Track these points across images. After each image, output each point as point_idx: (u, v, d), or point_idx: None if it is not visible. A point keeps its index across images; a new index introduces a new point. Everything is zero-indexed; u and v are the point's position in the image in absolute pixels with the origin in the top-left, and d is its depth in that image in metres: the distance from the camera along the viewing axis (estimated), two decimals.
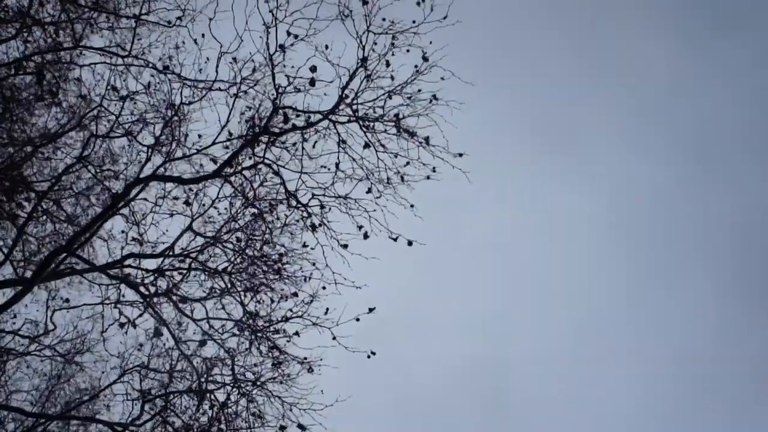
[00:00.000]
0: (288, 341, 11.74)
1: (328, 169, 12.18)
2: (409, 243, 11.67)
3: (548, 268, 28.19)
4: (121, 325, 12.21)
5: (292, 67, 11.76)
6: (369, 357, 11.43)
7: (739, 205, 27.80)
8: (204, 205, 12.96)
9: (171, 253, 12.83)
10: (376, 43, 11.80)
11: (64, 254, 12.26)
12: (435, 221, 12.00)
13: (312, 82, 11.47)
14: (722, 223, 27.92)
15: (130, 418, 12.34)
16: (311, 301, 11.76)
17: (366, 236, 11.75)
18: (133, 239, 12.42)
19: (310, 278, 11.96)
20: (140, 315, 12.29)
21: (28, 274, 12.80)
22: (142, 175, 11.96)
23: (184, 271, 12.69)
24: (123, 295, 12.77)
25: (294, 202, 12.00)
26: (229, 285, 12.63)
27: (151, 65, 12.48)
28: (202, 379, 11.89)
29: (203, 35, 11.66)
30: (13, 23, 12.49)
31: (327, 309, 11.60)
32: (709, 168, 27.85)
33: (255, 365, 11.88)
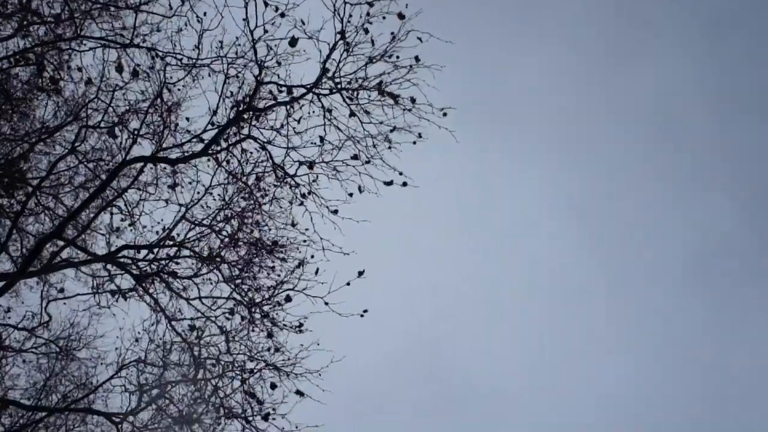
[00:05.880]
0: (281, 307, 11.56)
1: (314, 143, 12.20)
2: (404, 184, 11.58)
3: (501, 239, 27.69)
4: (112, 293, 12.16)
5: (273, 41, 11.91)
6: (362, 316, 11.22)
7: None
8: (199, 192, 13.02)
9: (165, 243, 12.85)
10: (351, 15, 11.88)
11: (63, 245, 12.37)
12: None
13: (292, 43, 11.50)
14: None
15: (129, 408, 12.15)
16: (299, 265, 11.62)
17: (360, 190, 11.67)
18: (124, 221, 12.47)
19: (302, 245, 11.88)
20: (131, 290, 12.22)
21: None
22: (129, 158, 12.08)
23: (178, 261, 12.68)
24: (119, 286, 12.75)
25: (281, 174, 11.98)
26: (221, 273, 12.57)
27: (149, 49, 12.57)
28: (199, 359, 11.71)
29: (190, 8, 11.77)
30: (13, 17, 12.75)
31: (317, 269, 11.45)
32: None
33: (249, 338, 11.67)
